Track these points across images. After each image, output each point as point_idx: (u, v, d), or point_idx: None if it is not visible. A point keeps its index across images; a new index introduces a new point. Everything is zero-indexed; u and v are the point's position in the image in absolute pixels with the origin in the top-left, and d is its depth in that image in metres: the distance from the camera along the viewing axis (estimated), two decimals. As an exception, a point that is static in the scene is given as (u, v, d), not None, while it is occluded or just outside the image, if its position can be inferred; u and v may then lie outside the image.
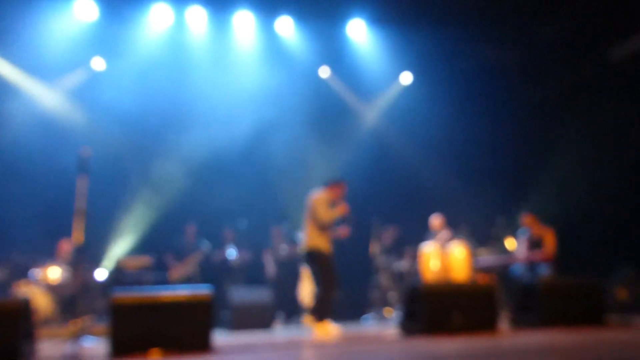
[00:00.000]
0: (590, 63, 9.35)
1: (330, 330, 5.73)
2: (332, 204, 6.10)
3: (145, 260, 7.92)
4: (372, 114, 10.63)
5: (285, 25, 9.49)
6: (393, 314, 8.16)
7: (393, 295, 8.37)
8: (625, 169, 8.60)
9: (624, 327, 4.80)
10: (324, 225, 5.93)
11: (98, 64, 8.90)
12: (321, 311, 5.87)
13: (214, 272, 8.56)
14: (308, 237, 5.98)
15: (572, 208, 8.80)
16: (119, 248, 8.64)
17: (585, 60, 9.36)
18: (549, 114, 9.88)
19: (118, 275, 7.73)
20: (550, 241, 7.32)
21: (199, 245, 8.51)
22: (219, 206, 8.96)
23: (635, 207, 8.43)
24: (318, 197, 6.06)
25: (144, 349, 3.97)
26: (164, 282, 8.02)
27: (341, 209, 6.05)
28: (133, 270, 7.81)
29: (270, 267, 8.67)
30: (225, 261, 8.67)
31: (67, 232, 7.21)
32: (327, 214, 5.93)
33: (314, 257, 5.96)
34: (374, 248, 8.46)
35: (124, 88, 8.67)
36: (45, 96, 8.75)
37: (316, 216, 5.93)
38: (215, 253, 8.65)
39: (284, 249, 8.77)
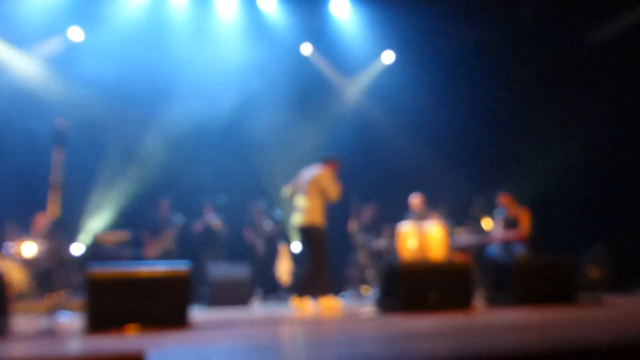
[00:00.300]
0: (570, 46, 9.42)
1: (309, 306, 5.79)
2: None
3: (122, 235, 7.87)
4: (353, 91, 10.61)
5: (268, 1, 9.36)
6: (370, 292, 8.24)
7: (370, 273, 8.45)
8: (600, 150, 8.74)
9: (595, 305, 4.92)
10: (333, 201, 6.07)
11: (76, 34, 8.70)
12: (306, 287, 5.90)
13: (193, 247, 8.53)
14: (309, 212, 5.98)
15: (546, 188, 8.95)
16: (96, 222, 8.56)
17: (565, 42, 9.42)
18: (528, 96, 9.95)
19: (95, 250, 7.67)
20: (525, 221, 7.43)
21: (173, 220, 8.44)
22: (198, 180, 8.92)
23: (606, 188, 8.61)
24: (323, 173, 6.10)
25: (120, 324, 3.95)
26: (142, 258, 7.98)
27: (338, 186, 6.13)
28: (110, 245, 7.75)
29: (259, 245, 8.67)
30: (205, 235, 8.60)
31: (42, 206, 7.11)
32: (336, 190, 6.05)
33: (310, 233, 5.98)
34: (353, 226, 8.50)
35: (103, 59, 8.51)
36: (21, 65, 8.54)
37: (326, 192, 6.01)
38: (195, 226, 8.58)
39: (268, 224, 8.77)
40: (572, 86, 9.11)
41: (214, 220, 8.61)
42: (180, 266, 4.32)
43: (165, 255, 8.16)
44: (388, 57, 10.38)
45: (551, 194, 8.89)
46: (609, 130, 8.67)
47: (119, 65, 8.54)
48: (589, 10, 8.82)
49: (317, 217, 5.99)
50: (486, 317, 4.13)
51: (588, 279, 7.21)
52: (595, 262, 7.34)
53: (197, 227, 8.59)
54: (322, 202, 6.05)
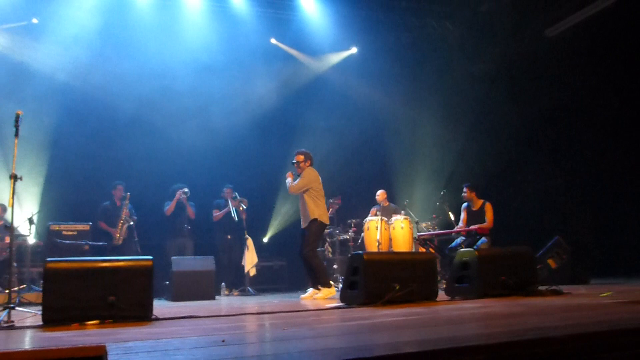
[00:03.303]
0: (527, 39, 9.59)
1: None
2: None
3: (81, 226, 7.70)
4: (319, 73, 10.56)
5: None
6: (336, 285, 8.26)
7: (336, 266, 8.46)
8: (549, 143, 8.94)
9: (553, 295, 5.03)
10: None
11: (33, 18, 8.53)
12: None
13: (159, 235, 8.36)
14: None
15: (506, 181, 9.13)
16: (45, 212, 8.18)
17: (522, 35, 9.59)
18: (487, 87, 10.06)
19: (51, 242, 7.42)
20: (489, 214, 7.52)
21: (128, 207, 8.17)
22: (155, 168, 8.80)
23: (565, 183, 8.84)
24: None
25: (80, 318, 3.85)
26: (110, 248, 7.78)
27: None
28: (68, 237, 7.53)
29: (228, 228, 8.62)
30: (175, 219, 8.37)
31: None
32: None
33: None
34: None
35: (52, 43, 8.34)
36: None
37: None
38: (168, 208, 8.36)
39: (245, 203, 8.57)
40: (531, 78, 9.29)
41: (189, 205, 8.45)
42: (143, 259, 4.24)
43: (128, 245, 7.93)
44: (352, 50, 10.49)
45: (511, 187, 9.07)
46: (556, 121, 8.89)
47: (73, 49, 8.38)
48: (545, 3, 9.01)
49: None
50: (448, 309, 4.18)
51: (546, 270, 7.37)
52: (553, 254, 7.50)
53: (170, 208, 8.37)
54: None
